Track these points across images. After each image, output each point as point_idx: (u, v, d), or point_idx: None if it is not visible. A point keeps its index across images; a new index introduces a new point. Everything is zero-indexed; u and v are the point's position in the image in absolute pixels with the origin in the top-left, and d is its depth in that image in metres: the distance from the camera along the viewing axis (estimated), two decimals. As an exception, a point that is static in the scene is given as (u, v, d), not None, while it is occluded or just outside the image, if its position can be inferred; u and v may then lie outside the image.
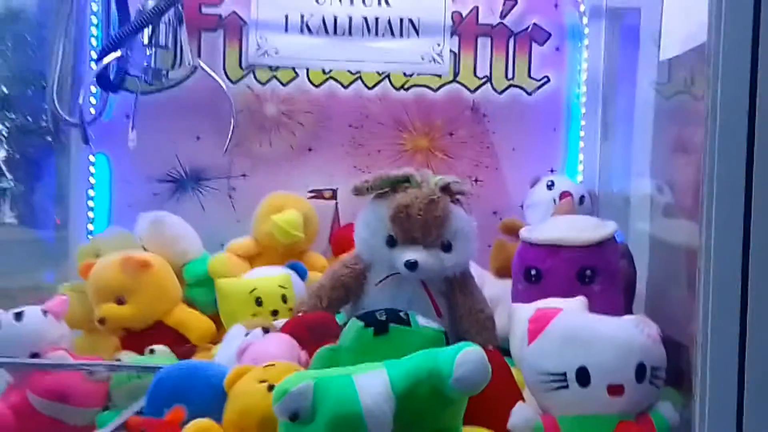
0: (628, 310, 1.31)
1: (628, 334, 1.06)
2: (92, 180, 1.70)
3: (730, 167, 0.76)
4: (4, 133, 1.83)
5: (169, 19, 1.57)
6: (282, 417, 0.83)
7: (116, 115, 1.69)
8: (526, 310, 1.15)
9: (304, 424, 0.81)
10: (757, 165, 0.76)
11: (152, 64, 1.61)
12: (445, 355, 0.84)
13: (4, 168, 1.85)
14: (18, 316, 1.26)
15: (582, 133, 1.74)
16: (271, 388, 0.88)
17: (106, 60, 1.53)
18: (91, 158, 1.69)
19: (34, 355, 1.25)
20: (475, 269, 1.39)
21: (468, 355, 0.83)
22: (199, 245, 1.59)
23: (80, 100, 1.59)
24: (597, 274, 1.27)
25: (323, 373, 0.87)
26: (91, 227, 1.70)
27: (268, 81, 1.72)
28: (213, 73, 1.65)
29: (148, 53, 1.59)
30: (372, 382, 0.84)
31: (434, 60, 1.74)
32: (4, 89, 1.87)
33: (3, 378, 1.28)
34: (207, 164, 1.71)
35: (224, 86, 1.65)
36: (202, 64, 1.65)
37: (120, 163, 1.70)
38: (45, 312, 1.29)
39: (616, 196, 1.62)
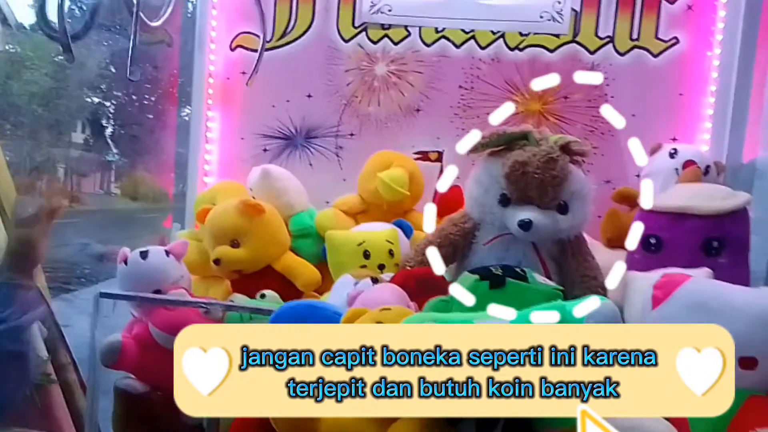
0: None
1: (764, 305, 0.99)
2: (208, 136, 1.76)
3: None
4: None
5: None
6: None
7: (231, 73, 1.74)
8: (647, 278, 1.09)
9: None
10: None
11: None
12: (571, 307, 0.81)
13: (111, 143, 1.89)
14: (144, 254, 1.32)
15: (711, 100, 1.61)
16: (387, 329, 0.86)
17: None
18: (208, 115, 1.75)
19: (157, 292, 1.30)
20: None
21: (601, 308, 0.79)
22: (304, 199, 1.61)
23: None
24: (725, 246, 1.19)
25: (443, 316, 0.86)
26: (205, 180, 1.76)
27: (380, 40, 1.71)
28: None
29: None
30: (493, 328, 0.81)
31: (554, 18, 1.66)
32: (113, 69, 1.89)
33: (128, 310, 1.34)
34: (316, 122, 1.73)
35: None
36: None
37: (233, 119, 1.75)
38: (167, 252, 1.34)
39: (747, 168, 1.51)
